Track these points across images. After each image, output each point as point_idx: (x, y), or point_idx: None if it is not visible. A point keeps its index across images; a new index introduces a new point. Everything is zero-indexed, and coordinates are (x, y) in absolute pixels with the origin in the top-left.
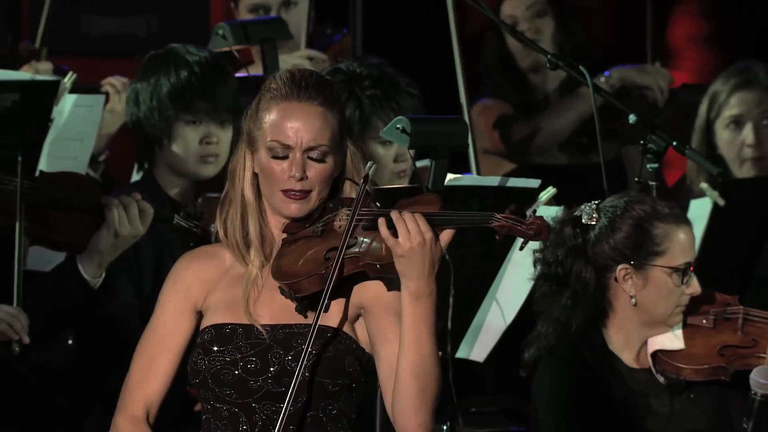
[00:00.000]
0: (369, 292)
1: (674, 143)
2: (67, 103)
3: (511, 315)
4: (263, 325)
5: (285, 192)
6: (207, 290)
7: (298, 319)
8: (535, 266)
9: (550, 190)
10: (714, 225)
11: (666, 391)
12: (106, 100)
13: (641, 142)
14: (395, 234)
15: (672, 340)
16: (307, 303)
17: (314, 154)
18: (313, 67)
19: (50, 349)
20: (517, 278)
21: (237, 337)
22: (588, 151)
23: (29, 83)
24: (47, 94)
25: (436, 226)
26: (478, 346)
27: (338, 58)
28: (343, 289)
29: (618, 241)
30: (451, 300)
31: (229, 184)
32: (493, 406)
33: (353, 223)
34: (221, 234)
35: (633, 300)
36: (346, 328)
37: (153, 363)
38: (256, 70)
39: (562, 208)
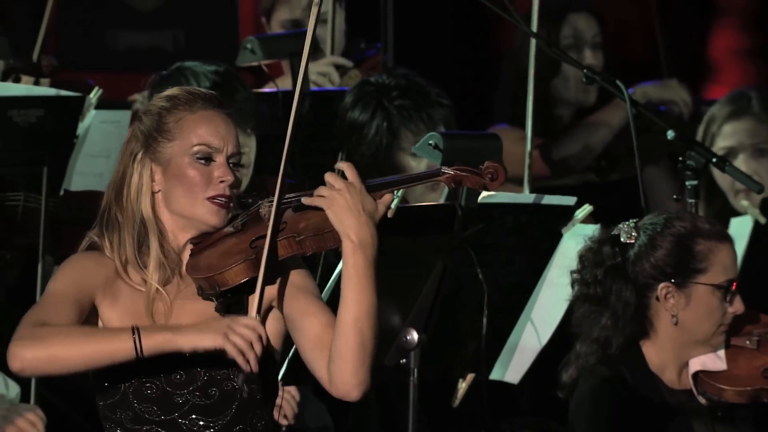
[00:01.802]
0: (277, 285)
1: (714, 159)
2: (92, 119)
3: (546, 335)
4: None
5: (212, 199)
6: (104, 290)
7: None
8: (573, 287)
9: (587, 208)
10: (755, 243)
11: (707, 413)
12: (134, 116)
13: (680, 158)
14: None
15: (714, 360)
16: (229, 300)
17: (235, 159)
18: (340, 75)
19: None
20: (552, 298)
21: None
22: (607, 173)
23: (54, 99)
24: (72, 109)
25: (377, 191)
26: (512, 368)
27: (372, 75)
28: (253, 289)
29: (659, 259)
30: (484, 320)
31: (116, 205)
32: (528, 428)
33: (281, 203)
34: (107, 253)
35: (674, 319)
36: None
37: (60, 306)
38: (284, 84)
39: (599, 226)
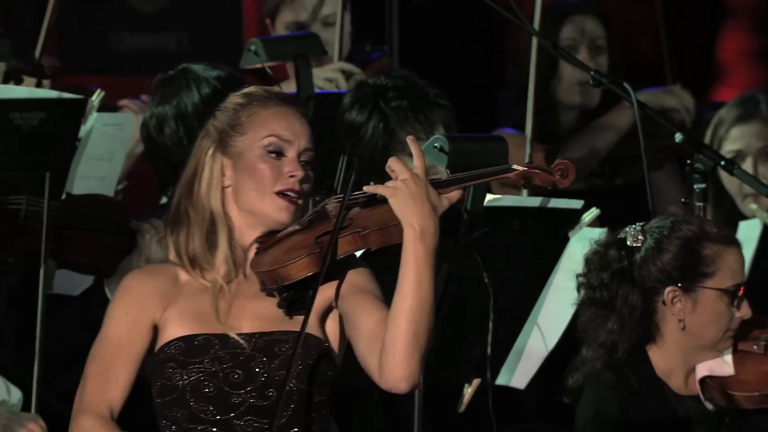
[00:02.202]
0: (334, 285)
1: (722, 162)
2: (94, 122)
3: (553, 340)
4: (239, 334)
5: (280, 193)
6: (165, 304)
7: (277, 326)
8: (578, 291)
9: (594, 211)
10: (764, 247)
11: (715, 419)
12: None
13: (688, 161)
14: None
15: (722, 365)
16: (291, 297)
17: (307, 157)
18: (347, 81)
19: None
20: (559, 302)
21: (212, 347)
22: (611, 178)
23: (56, 101)
24: (75, 112)
25: (446, 187)
26: (518, 373)
27: None
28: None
29: (666, 263)
30: (490, 325)
31: (187, 200)
32: None
33: (347, 198)
34: (172, 255)
35: (681, 324)
36: (320, 333)
37: (110, 370)
38: (289, 87)
39: (605, 229)
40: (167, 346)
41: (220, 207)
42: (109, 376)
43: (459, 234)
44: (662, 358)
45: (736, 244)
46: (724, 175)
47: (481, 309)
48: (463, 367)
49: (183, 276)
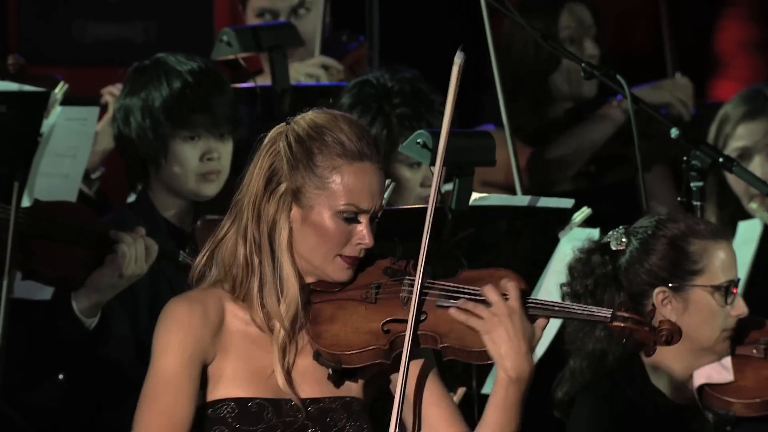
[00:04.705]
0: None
1: (720, 159)
2: (58, 116)
3: (541, 349)
4: (292, 400)
5: (346, 258)
6: (217, 346)
7: (326, 391)
8: (563, 300)
9: (585, 211)
10: (765, 248)
11: (714, 429)
12: (105, 112)
13: (684, 158)
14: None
15: (720, 372)
16: (346, 371)
17: (378, 214)
18: (329, 76)
19: (39, 386)
20: None
21: (267, 415)
22: (595, 177)
23: (16, 95)
24: (36, 106)
25: (540, 317)
26: None
27: (354, 69)
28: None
29: (653, 264)
30: None
31: (257, 256)
32: None
33: (419, 296)
34: (229, 288)
35: None
36: (362, 394)
37: (172, 417)
38: (264, 79)
39: (597, 230)
40: (220, 404)
41: (290, 264)
42: (175, 415)
43: (443, 235)
44: (656, 365)
45: (725, 238)
46: (730, 174)
47: None
48: (447, 375)
49: (229, 311)
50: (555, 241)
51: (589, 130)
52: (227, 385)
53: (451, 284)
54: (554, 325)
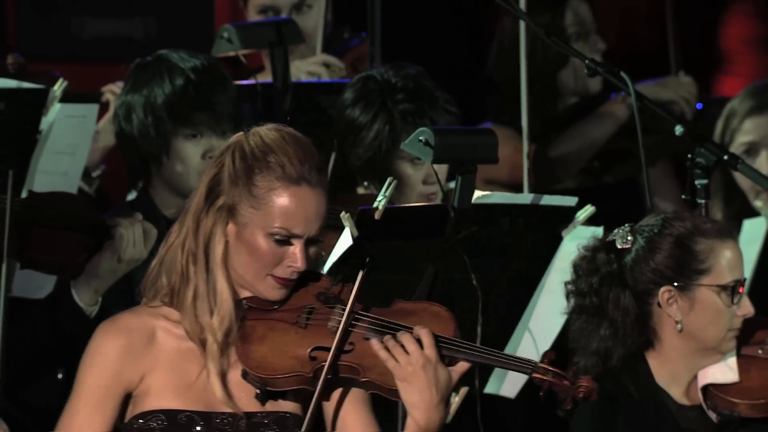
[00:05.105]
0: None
1: (725, 157)
2: (57, 113)
3: (545, 346)
4: (224, 414)
5: (277, 279)
6: (143, 371)
7: (257, 405)
8: (568, 299)
9: (588, 209)
10: None
11: (719, 430)
12: (105, 111)
13: (689, 156)
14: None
15: (725, 372)
16: (273, 392)
17: (314, 237)
18: (330, 74)
19: (39, 384)
20: (551, 306)
21: (196, 428)
22: (599, 174)
23: (15, 91)
24: (35, 103)
25: (458, 360)
26: (508, 381)
27: (356, 66)
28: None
29: (659, 262)
30: (479, 330)
31: (192, 266)
32: None
33: (345, 327)
34: (163, 297)
35: (679, 326)
36: (298, 410)
37: None
38: (265, 76)
39: (601, 228)
40: (150, 416)
41: (224, 279)
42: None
43: (445, 233)
44: (661, 364)
45: (732, 238)
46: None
47: (469, 313)
48: None
49: (161, 330)
50: (558, 240)
51: (591, 127)
52: (157, 398)
53: (382, 318)
54: (557, 324)
